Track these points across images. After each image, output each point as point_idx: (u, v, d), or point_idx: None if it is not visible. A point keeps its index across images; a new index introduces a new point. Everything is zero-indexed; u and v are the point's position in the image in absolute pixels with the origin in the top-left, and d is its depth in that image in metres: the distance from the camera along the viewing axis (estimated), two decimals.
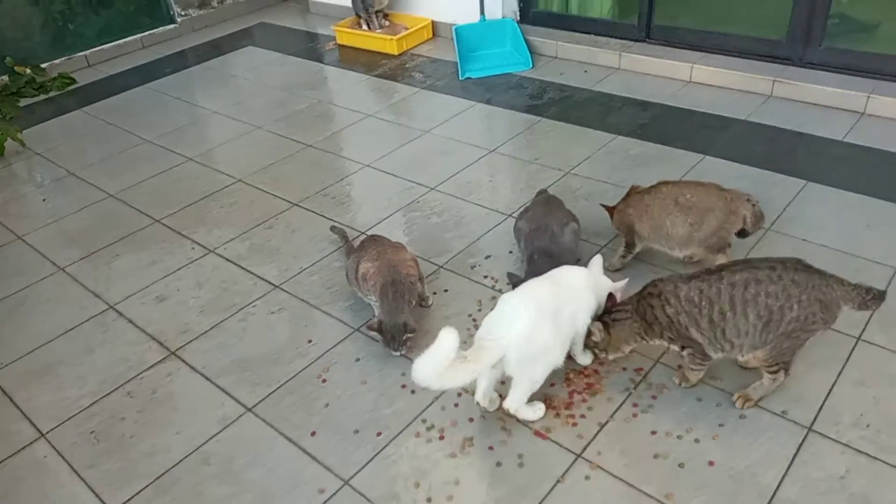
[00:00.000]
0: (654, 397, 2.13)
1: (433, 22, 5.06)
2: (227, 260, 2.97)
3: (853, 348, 2.21)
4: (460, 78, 4.40)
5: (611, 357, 2.17)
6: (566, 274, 2.15)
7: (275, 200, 3.35)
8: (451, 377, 1.81)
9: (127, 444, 2.18)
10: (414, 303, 2.39)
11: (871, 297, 1.88)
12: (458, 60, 4.51)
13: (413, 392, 2.23)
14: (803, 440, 1.96)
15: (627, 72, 4.22)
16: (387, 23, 5.17)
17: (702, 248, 2.45)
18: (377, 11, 5.05)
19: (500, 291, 2.61)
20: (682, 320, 1.98)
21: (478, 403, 2.09)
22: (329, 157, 3.69)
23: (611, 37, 4.41)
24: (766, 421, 2.03)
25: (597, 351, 2.17)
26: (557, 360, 2.01)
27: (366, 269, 2.43)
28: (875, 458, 1.90)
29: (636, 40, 4.32)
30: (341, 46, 5.16)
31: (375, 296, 2.39)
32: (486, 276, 2.70)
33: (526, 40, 4.52)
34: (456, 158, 3.53)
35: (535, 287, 2.06)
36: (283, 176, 3.55)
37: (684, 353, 2.06)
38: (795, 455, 1.92)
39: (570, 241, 2.53)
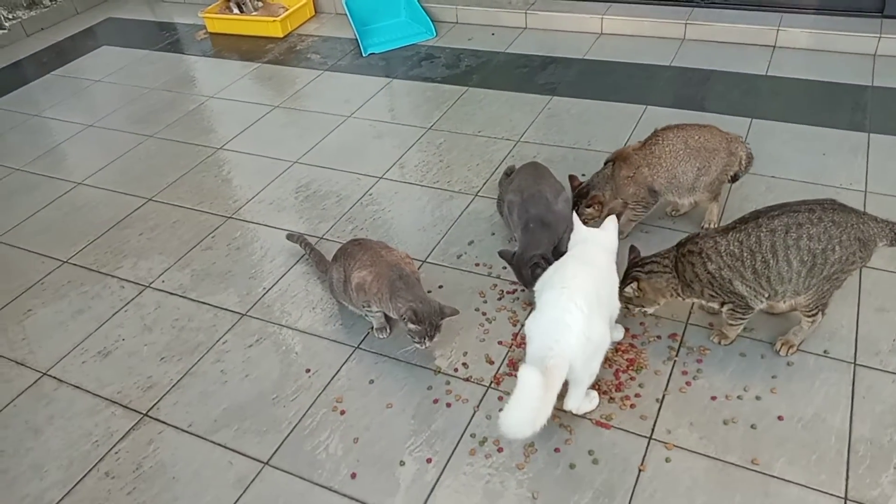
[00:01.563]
0: (699, 361, 2.06)
1: None
2: (171, 294, 2.55)
3: (860, 277, 2.25)
4: (364, 55, 4.09)
5: (649, 310, 2.08)
6: (592, 253, 1.98)
7: (202, 216, 2.93)
8: (542, 416, 1.62)
9: None
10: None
11: None
12: (356, 36, 4.19)
13: (449, 405, 2.02)
14: (854, 376, 1.97)
15: (536, 30, 4.11)
16: (260, 3, 4.71)
17: (706, 193, 2.40)
18: None
19: (499, 278, 2.43)
20: (726, 275, 1.91)
21: None
22: (247, 159, 3.29)
23: None
24: (812, 363, 2.02)
25: (631, 306, 2.07)
26: (608, 344, 1.87)
27: (361, 277, 2.15)
28: None
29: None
30: (214, 35, 4.65)
31: (382, 303, 2.12)
32: (477, 265, 2.50)
33: (423, 7, 4.28)
34: (393, 141, 3.27)
35: (573, 276, 1.84)
36: (201, 187, 3.12)
37: (724, 308, 2.00)
38: (853, 392, 1.92)
39: (564, 208, 2.39)
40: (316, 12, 4.72)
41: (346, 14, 4.41)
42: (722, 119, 3.05)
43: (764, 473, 1.76)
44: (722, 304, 2.00)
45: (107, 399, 2.18)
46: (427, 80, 3.76)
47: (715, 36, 3.70)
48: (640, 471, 1.80)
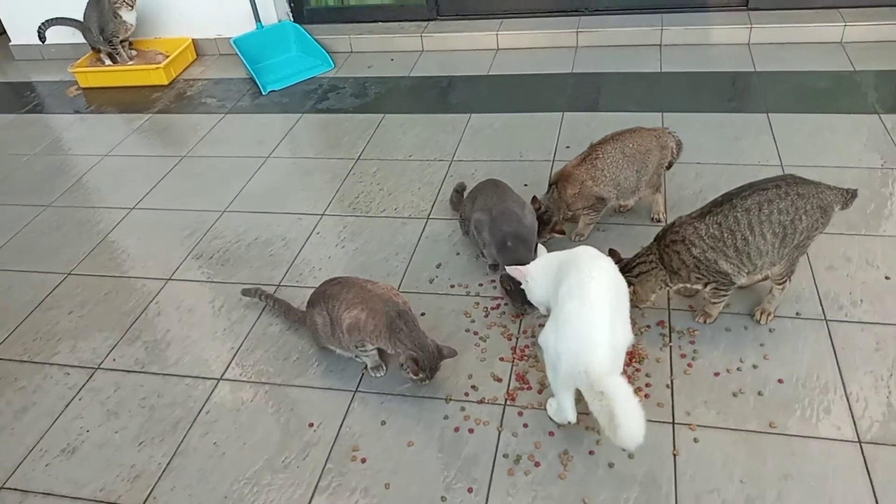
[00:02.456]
0: (692, 342, 2.16)
1: (193, 40, 4.47)
2: (128, 371, 2.33)
3: None
4: (263, 93, 3.96)
5: (642, 307, 2.20)
6: (595, 254, 1.98)
7: (138, 283, 2.70)
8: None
9: None
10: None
11: (850, 196, 2.09)
12: (252, 75, 4.05)
13: (471, 431, 1.98)
14: (829, 332, 2.14)
15: (434, 52, 4.17)
16: (134, 52, 4.44)
17: (648, 189, 2.54)
18: (122, 41, 4.30)
19: (479, 295, 2.42)
20: (710, 256, 2.02)
21: (568, 423, 1.91)
22: (169, 215, 3.07)
23: (401, 21, 4.31)
24: (790, 326, 2.18)
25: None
26: (632, 340, 1.85)
27: (353, 317, 2.07)
28: (886, 323, 2.15)
29: (429, 20, 4.28)
30: (88, 90, 4.31)
31: (380, 340, 2.05)
32: (452, 286, 2.48)
33: (315, 39, 4.22)
34: (323, 176, 3.18)
35: (589, 278, 1.79)
36: (126, 251, 2.87)
37: (707, 288, 2.11)
38: (833, 346, 2.10)
39: (532, 222, 2.43)
40: (198, 55, 4.51)
41: (230, 54, 4.30)
42: (637, 116, 3.24)
43: (784, 434, 1.87)
44: (705, 285, 2.11)
45: (90, 500, 1.94)
46: (339, 111, 3.70)
47: (606, 41, 3.93)
48: (674, 456, 1.85)
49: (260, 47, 4.23)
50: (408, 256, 2.64)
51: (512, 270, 2.09)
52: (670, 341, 2.17)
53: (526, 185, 2.88)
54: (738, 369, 2.06)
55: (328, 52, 4.18)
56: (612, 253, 2.20)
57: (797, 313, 2.21)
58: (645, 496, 1.77)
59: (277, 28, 4.27)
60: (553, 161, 3.05)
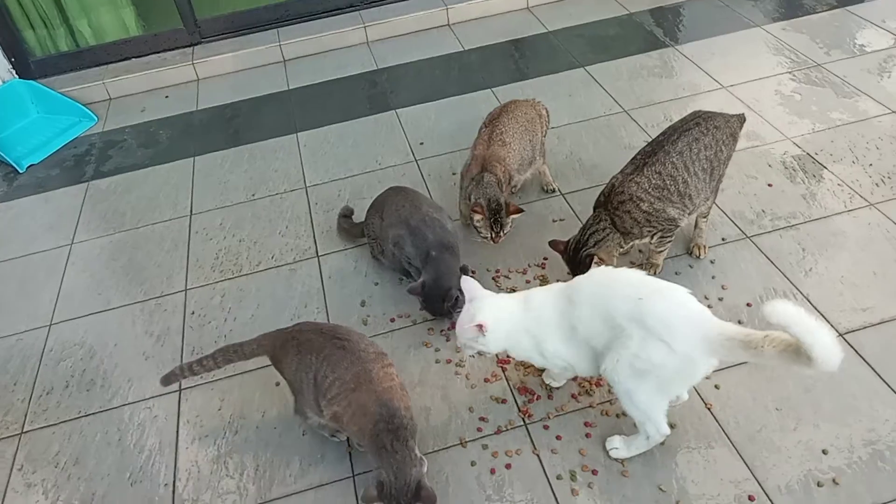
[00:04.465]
0: None
1: None
2: None
3: None
4: (21, 171, 3.16)
5: None
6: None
7: None
8: None
9: None
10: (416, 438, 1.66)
11: (743, 120, 2.20)
12: None
13: (508, 467, 1.76)
14: (758, 247, 2.27)
15: (214, 78, 3.68)
16: None
17: (541, 157, 2.51)
18: None
19: (427, 320, 2.17)
20: (658, 206, 2.02)
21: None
22: None
23: (159, 52, 3.73)
24: (725, 252, 2.27)
25: None
26: None
27: (337, 412, 1.65)
28: (793, 225, 2.33)
29: (192, 45, 3.76)
30: None
31: (363, 442, 1.68)
32: (392, 320, 2.19)
33: (61, 94, 3.48)
34: (161, 245, 2.63)
35: (644, 279, 1.67)
36: None
37: (655, 239, 2.11)
38: (770, 259, 2.22)
39: (453, 226, 2.24)
40: None
41: None
42: (472, 97, 3.18)
43: None
44: (653, 236, 2.11)
45: None
46: (135, 167, 3.09)
47: (396, 31, 3.79)
48: (709, 409, 1.82)
49: None
50: (321, 304, 2.28)
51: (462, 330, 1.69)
52: None
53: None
54: (710, 307, 2.06)
55: (83, 105, 3.47)
56: (555, 243, 2.11)
57: (723, 239, 2.32)
58: (711, 455, 1.72)
59: (5, 91, 3.44)
60: (415, 161, 2.86)
